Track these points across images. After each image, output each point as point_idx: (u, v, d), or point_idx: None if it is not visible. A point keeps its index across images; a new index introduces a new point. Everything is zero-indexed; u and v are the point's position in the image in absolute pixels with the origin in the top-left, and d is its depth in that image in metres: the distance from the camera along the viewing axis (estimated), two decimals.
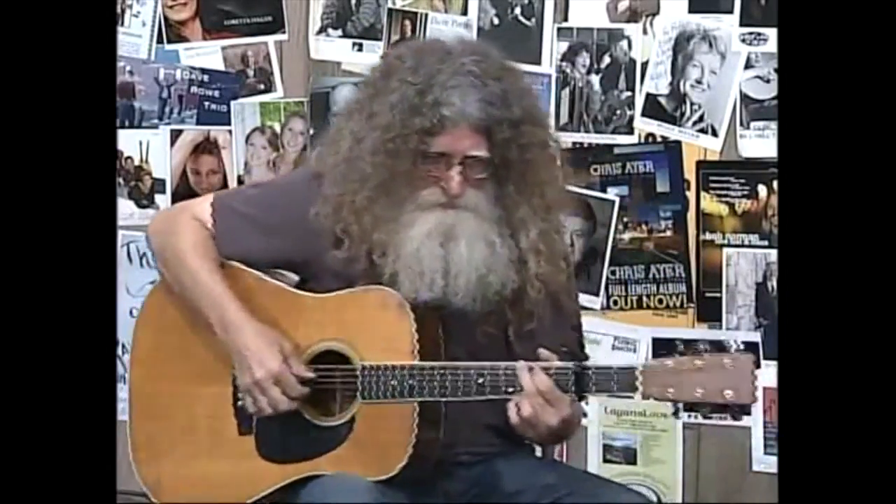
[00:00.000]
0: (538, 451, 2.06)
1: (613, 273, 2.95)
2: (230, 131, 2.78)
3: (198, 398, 1.89)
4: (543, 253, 1.81)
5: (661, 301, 2.94)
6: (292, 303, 1.87)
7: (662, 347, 2.88)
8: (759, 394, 1.70)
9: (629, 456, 2.92)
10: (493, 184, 1.80)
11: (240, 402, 1.85)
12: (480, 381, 1.72)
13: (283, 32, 3.08)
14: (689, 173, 2.96)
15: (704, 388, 1.62)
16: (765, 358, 2.82)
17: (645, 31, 2.94)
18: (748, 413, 1.58)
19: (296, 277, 1.96)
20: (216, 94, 2.71)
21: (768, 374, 2.75)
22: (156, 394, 1.92)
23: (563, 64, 2.97)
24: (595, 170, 2.97)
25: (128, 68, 2.73)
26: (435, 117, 1.72)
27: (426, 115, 1.73)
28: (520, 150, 1.75)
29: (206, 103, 2.71)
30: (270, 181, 2.71)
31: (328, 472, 1.80)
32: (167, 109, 2.75)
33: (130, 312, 3.23)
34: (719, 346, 2.84)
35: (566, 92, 2.98)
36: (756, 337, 2.89)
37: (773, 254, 2.90)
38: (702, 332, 2.92)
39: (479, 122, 1.73)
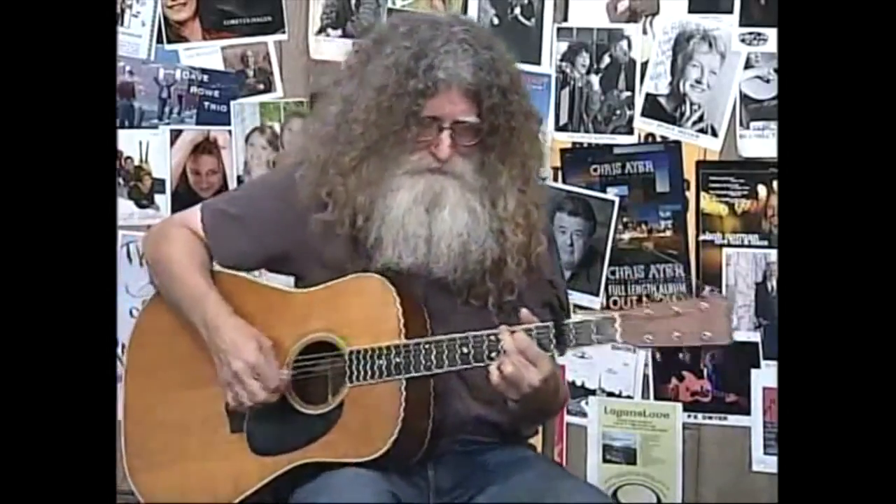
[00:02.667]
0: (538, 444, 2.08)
1: (613, 273, 2.95)
2: (230, 131, 2.79)
3: (191, 403, 1.91)
4: (521, 225, 1.83)
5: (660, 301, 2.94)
6: (281, 299, 1.90)
7: (662, 348, 2.88)
8: (736, 336, 1.69)
9: (629, 456, 2.92)
10: (479, 151, 1.83)
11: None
12: (465, 350, 1.75)
13: (283, 32, 3.08)
14: (689, 173, 2.96)
15: (682, 332, 1.64)
16: (765, 358, 2.82)
17: (645, 31, 2.94)
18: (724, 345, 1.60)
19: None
20: (216, 94, 2.72)
21: (768, 375, 2.76)
22: (149, 402, 1.93)
23: (563, 64, 2.97)
24: (595, 170, 2.97)
25: (128, 68, 2.73)
26: (429, 80, 1.77)
27: (420, 77, 1.77)
28: (507, 117, 1.79)
29: (206, 103, 2.71)
30: (255, 178, 2.72)
31: (319, 458, 1.81)
32: (167, 109, 2.76)
33: (130, 313, 3.23)
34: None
35: (566, 92, 2.98)
36: (756, 337, 2.89)
37: (772, 254, 2.90)
38: None
39: (471, 86, 1.78)
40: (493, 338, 1.73)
